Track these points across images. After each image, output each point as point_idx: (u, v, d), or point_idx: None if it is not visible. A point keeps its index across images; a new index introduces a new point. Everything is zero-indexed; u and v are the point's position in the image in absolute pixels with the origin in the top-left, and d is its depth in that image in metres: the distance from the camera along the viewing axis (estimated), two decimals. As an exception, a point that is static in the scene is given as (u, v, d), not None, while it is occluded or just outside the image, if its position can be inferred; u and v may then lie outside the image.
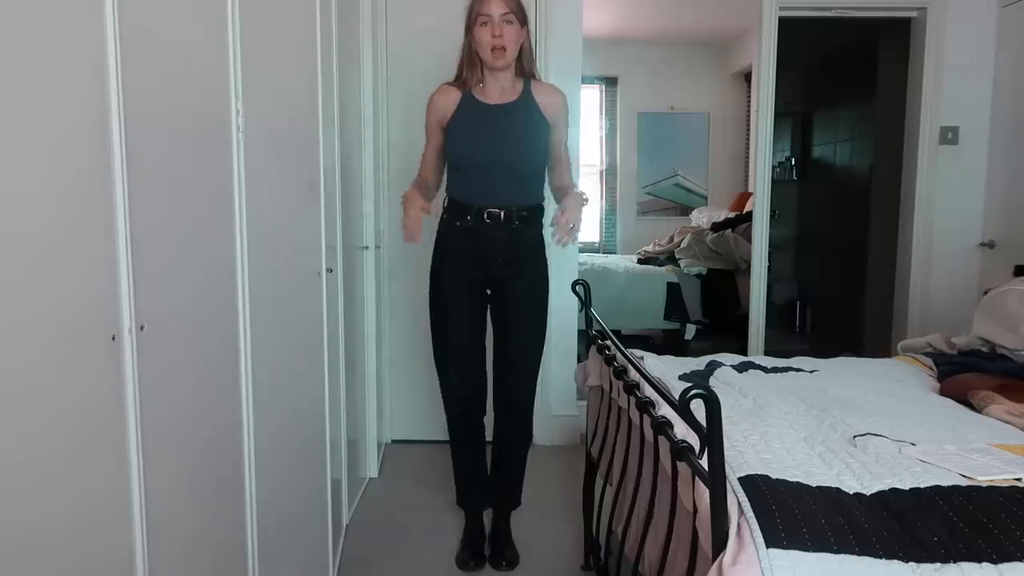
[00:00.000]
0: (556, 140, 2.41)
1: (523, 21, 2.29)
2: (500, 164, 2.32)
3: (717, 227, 5.47)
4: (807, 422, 1.77)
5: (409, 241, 2.26)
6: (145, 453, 1.06)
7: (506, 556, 2.51)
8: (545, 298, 2.47)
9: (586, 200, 2.37)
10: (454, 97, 2.35)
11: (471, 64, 2.31)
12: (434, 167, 2.44)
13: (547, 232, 2.41)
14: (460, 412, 2.51)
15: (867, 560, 1.13)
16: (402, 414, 3.58)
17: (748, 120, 6.54)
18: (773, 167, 4.09)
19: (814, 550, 1.14)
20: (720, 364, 2.29)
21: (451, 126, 2.35)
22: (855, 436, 1.65)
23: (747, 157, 6.54)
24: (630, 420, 1.86)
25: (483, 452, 2.61)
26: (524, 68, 2.36)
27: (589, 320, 2.38)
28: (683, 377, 2.14)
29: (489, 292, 2.45)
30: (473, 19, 2.25)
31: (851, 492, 1.34)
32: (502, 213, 2.31)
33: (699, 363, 2.33)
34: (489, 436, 2.62)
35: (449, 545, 2.61)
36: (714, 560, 1.15)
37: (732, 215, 5.69)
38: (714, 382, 2.14)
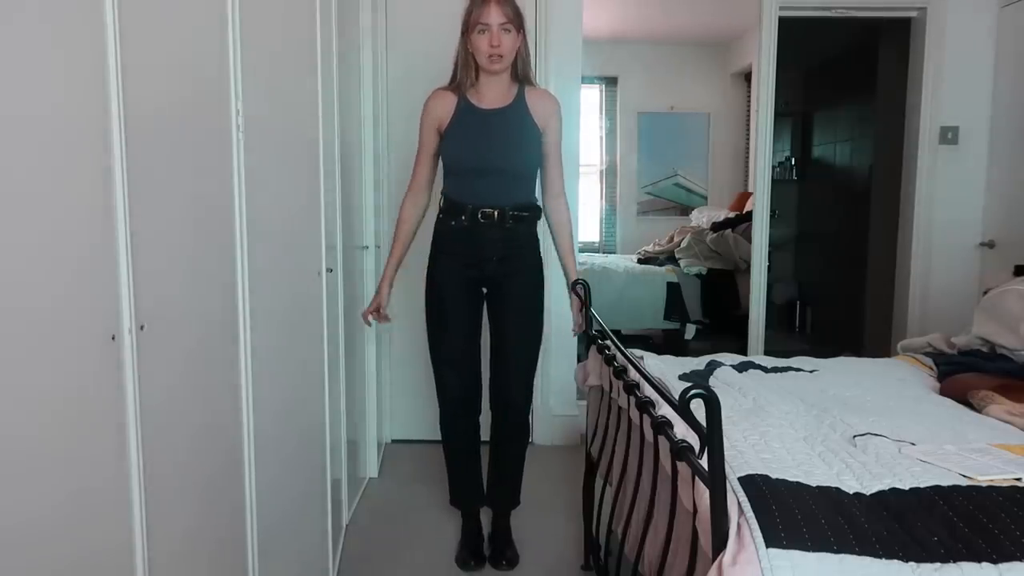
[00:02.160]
0: (549, 145, 2.44)
1: (520, 28, 2.31)
2: (494, 167, 2.35)
3: (717, 227, 5.47)
4: (807, 422, 1.77)
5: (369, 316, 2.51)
6: (145, 453, 1.06)
7: (506, 556, 2.51)
8: (541, 297, 2.49)
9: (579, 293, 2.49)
10: (451, 102, 2.36)
11: (466, 67, 2.33)
12: (430, 169, 2.47)
13: (542, 232, 2.51)
14: (454, 411, 2.52)
15: (867, 560, 1.13)
16: (402, 414, 3.59)
17: (748, 120, 6.54)
18: (773, 167, 4.09)
19: (814, 550, 1.14)
20: (720, 364, 2.29)
21: (449, 131, 2.37)
22: (855, 436, 1.65)
23: (747, 157, 6.54)
24: (630, 420, 1.86)
25: (477, 451, 2.61)
26: (519, 73, 2.38)
27: (589, 320, 2.38)
28: (683, 377, 2.14)
29: (485, 291, 2.47)
30: (471, 25, 2.27)
31: (851, 492, 1.34)
32: (496, 212, 2.35)
33: (699, 363, 2.33)
34: (485, 436, 2.63)
35: (449, 545, 2.61)
36: (714, 560, 1.15)
37: (732, 215, 5.69)
38: (714, 382, 2.14)
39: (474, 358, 2.50)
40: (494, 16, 2.23)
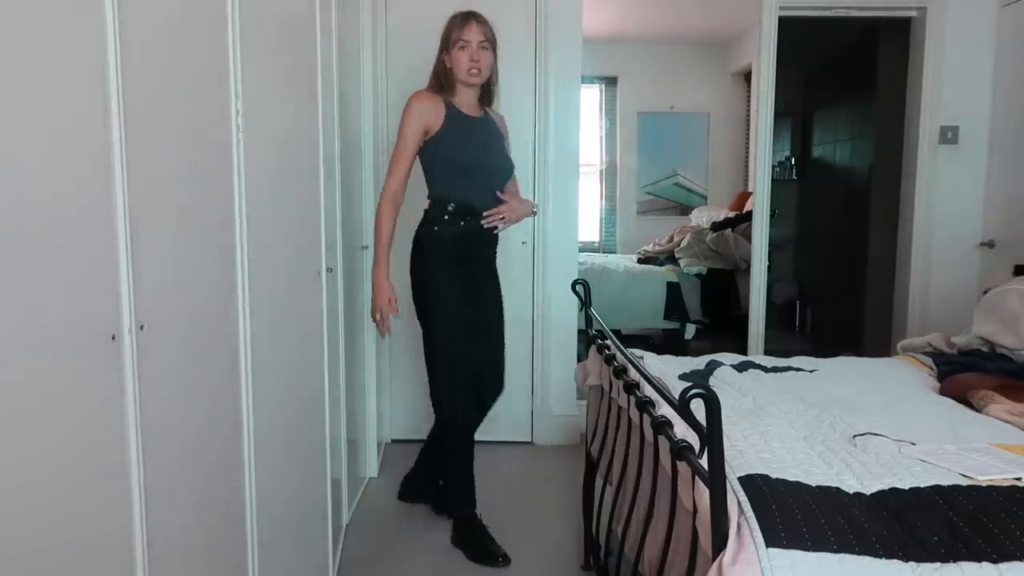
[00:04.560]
0: None
1: (495, 49, 2.52)
2: (494, 169, 2.58)
3: (717, 227, 5.47)
4: (807, 421, 1.77)
5: (382, 324, 2.54)
6: (145, 453, 1.06)
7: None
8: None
9: (534, 213, 2.76)
10: (440, 107, 2.50)
11: (448, 79, 2.51)
12: (407, 176, 2.54)
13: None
14: (470, 409, 2.61)
15: (867, 559, 1.14)
16: (402, 414, 3.59)
17: (748, 120, 6.54)
18: (773, 167, 4.09)
19: (814, 549, 1.14)
20: (720, 364, 2.29)
21: (445, 135, 2.49)
22: (855, 435, 1.65)
23: (747, 157, 6.54)
24: (630, 420, 1.86)
25: None
26: (485, 92, 2.59)
27: (589, 320, 2.38)
28: (683, 377, 2.14)
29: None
30: (452, 41, 2.48)
31: (851, 492, 1.34)
32: None
33: (699, 363, 2.33)
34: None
35: (448, 544, 2.61)
36: (714, 560, 1.15)
37: (732, 215, 5.69)
38: (714, 382, 2.14)
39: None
40: (475, 34, 2.46)
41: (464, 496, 2.63)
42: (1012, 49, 3.45)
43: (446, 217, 2.50)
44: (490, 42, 2.49)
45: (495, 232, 2.60)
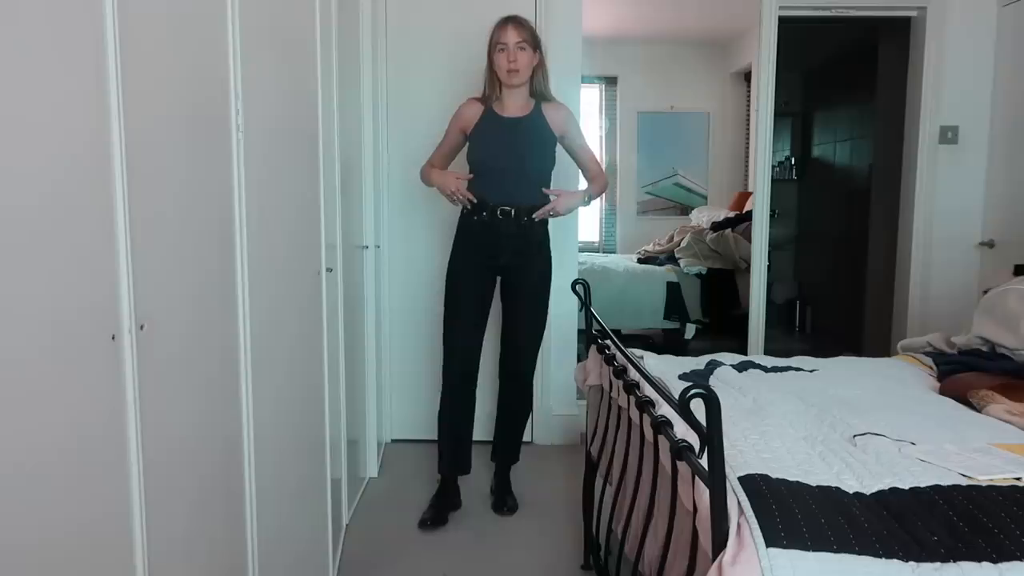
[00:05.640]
0: (574, 144, 2.82)
1: (535, 47, 2.66)
2: (511, 168, 2.67)
3: (717, 226, 5.47)
4: (807, 421, 1.77)
5: (463, 200, 2.66)
6: (145, 453, 1.06)
7: (507, 504, 2.86)
8: (549, 282, 2.82)
9: (587, 202, 2.83)
10: (477, 110, 2.72)
11: (491, 83, 2.69)
12: (443, 159, 2.83)
13: (552, 224, 2.85)
14: (456, 382, 2.75)
15: (867, 559, 1.13)
16: (402, 414, 3.59)
17: (748, 120, 6.54)
18: (773, 167, 4.09)
19: (814, 549, 1.14)
20: (720, 363, 2.29)
21: (473, 135, 2.72)
22: (855, 435, 1.65)
23: (747, 157, 6.54)
24: (630, 419, 1.86)
25: (471, 422, 2.85)
26: (536, 88, 2.71)
27: (589, 320, 2.38)
28: (683, 376, 2.14)
29: (500, 279, 2.80)
30: (493, 46, 2.64)
31: (851, 491, 1.34)
32: (513, 210, 2.66)
33: (699, 363, 2.33)
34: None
35: (449, 544, 2.61)
36: (714, 559, 1.15)
37: (732, 214, 5.69)
38: (714, 381, 2.14)
39: (479, 336, 2.80)
40: (511, 36, 2.59)
41: (440, 458, 2.82)
42: (1012, 49, 3.44)
43: (465, 211, 2.72)
44: (528, 42, 2.61)
45: (522, 230, 2.67)
